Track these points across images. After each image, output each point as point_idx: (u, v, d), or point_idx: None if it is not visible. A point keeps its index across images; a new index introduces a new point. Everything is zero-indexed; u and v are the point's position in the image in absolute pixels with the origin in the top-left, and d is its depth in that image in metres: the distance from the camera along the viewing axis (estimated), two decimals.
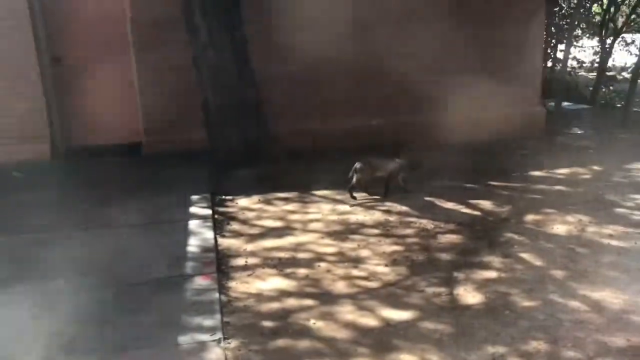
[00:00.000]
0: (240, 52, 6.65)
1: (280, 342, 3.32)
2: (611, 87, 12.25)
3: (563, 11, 11.45)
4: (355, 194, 5.80)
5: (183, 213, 5.30)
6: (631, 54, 13.04)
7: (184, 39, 6.62)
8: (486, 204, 5.57)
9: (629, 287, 3.85)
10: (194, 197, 5.71)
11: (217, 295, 3.78)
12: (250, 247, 4.69)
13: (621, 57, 13.62)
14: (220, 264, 4.35)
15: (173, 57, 6.95)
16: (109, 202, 5.61)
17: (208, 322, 3.45)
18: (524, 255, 4.41)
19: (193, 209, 5.43)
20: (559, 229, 4.93)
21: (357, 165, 5.80)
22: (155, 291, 3.86)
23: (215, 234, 4.88)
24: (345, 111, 7.67)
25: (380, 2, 7.50)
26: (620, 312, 3.56)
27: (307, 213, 5.46)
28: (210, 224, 5.04)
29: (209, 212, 5.33)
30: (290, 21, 7.20)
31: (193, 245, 4.61)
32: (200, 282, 3.98)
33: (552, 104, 9.34)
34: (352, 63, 7.56)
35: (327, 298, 3.83)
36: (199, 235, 4.79)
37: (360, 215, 5.35)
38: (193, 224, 5.03)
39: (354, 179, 5.80)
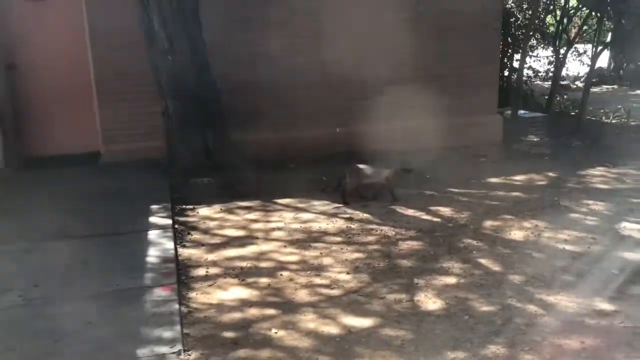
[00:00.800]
0: (201, 59, 6.60)
1: (241, 353, 3.28)
2: (565, 96, 12.64)
3: (519, 22, 11.76)
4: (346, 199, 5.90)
5: (142, 223, 5.21)
6: (583, 63, 13.49)
7: (143, 45, 6.54)
8: (446, 211, 5.65)
9: (583, 291, 3.96)
10: (154, 207, 5.62)
11: (177, 306, 3.73)
12: (211, 256, 4.64)
13: (574, 67, 14.06)
14: (180, 274, 4.29)
15: (132, 63, 6.86)
16: (65, 213, 5.47)
17: (167, 333, 3.40)
18: (483, 261, 4.49)
19: (153, 219, 5.34)
20: (516, 234, 5.04)
21: (347, 172, 5.89)
22: (113, 303, 3.78)
23: (176, 244, 4.81)
24: (308, 119, 7.69)
25: (342, 13, 7.55)
26: (575, 315, 3.65)
27: (269, 222, 5.44)
28: (170, 234, 4.96)
29: (169, 221, 5.25)
30: (253, 28, 7.21)
31: (152, 255, 4.52)
32: (160, 293, 3.91)
33: (509, 112, 9.57)
34: (314, 72, 7.59)
35: (289, 307, 3.82)
36: (159, 245, 4.71)
37: (322, 224, 5.36)
38: (153, 234, 4.95)
39: (345, 186, 5.88)
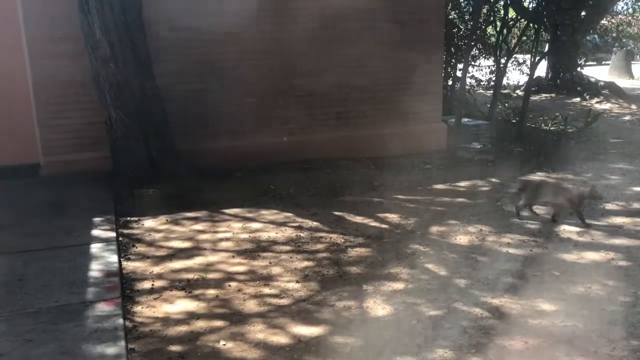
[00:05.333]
0: (144, 67, 6.47)
1: None
2: (506, 104, 13.05)
3: (461, 32, 12.08)
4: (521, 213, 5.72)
5: (84, 236, 5.04)
6: (523, 73, 13.97)
7: (85, 53, 6.37)
8: (393, 217, 5.72)
9: (526, 293, 4.07)
10: (97, 219, 5.45)
11: (121, 321, 3.61)
12: (157, 269, 4.53)
13: (515, 76, 14.55)
14: (124, 288, 4.17)
15: (73, 71, 6.66)
16: (1, 227, 5.24)
17: (111, 349, 3.28)
18: (429, 266, 4.56)
19: (95, 232, 5.18)
20: (462, 239, 5.15)
21: (529, 186, 5.71)
22: (53, 320, 3.63)
23: (120, 257, 4.68)
24: (255, 128, 7.65)
25: (290, 20, 7.57)
26: (518, 317, 3.75)
27: (216, 232, 5.36)
28: (114, 247, 4.82)
29: (112, 234, 5.11)
30: (198, 37, 7.13)
31: (95, 269, 4.38)
32: (103, 308, 3.79)
33: (453, 120, 9.78)
34: (261, 80, 7.58)
35: (238, 318, 3.76)
36: (102, 259, 4.57)
37: (271, 233, 5.33)
38: (95, 248, 4.80)
39: (521, 201, 5.67)
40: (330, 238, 5.18)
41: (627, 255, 4.74)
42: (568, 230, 5.33)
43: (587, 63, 16.72)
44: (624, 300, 3.96)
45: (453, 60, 11.89)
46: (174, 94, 6.83)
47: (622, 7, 16.12)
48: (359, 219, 5.69)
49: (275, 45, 7.51)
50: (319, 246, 5.01)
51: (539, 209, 5.79)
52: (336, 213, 5.85)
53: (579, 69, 15.87)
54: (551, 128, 10.94)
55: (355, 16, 7.88)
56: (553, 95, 15.62)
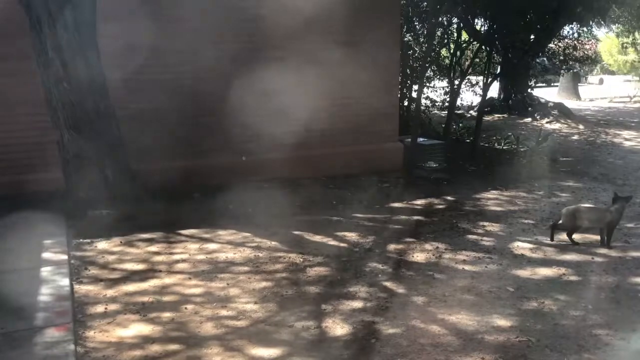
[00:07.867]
0: (98, 86, 6.34)
1: None
2: (460, 124, 13.34)
3: (416, 54, 12.33)
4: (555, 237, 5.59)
5: (34, 260, 4.87)
6: (476, 94, 14.32)
7: (37, 71, 6.21)
8: (351, 236, 5.74)
9: (482, 309, 4.13)
10: (47, 242, 5.29)
11: (72, 346, 3.49)
12: (110, 292, 4.41)
13: (468, 97, 14.91)
14: (76, 312, 4.04)
15: (24, 90, 6.48)
16: None
17: None
18: (387, 284, 4.58)
19: (46, 255, 5.01)
20: (419, 256, 5.20)
21: (564, 211, 5.54)
22: None
23: (71, 280, 4.54)
24: (212, 148, 7.59)
25: (247, 40, 7.58)
26: (475, 333, 3.79)
27: (172, 254, 5.26)
28: (65, 270, 4.67)
29: (64, 257, 4.95)
30: (154, 56, 7.06)
31: (45, 294, 4.23)
32: (53, 333, 3.65)
33: (409, 139, 9.92)
34: (219, 99, 7.53)
35: (194, 341, 3.69)
36: (52, 283, 4.42)
37: (229, 253, 5.27)
38: (45, 271, 4.64)
39: (560, 222, 5.56)
40: (289, 258, 5.15)
41: (577, 270, 4.88)
42: (521, 247, 5.45)
43: (537, 85, 17.28)
44: (575, 315, 4.06)
45: (409, 82, 12.11)
46: (129, 113, 6.71)
47: (568, 32, 16.73)
48: (317, 238, 5.69)
49: (232, 65, 7.49)
50: (278, 266, 4.97)
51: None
52: (295, 232, 5.83)
53: (529, 90, 16.38)
54: (504, 147, 11.24)
55: (312, 38, 7.94)
56: (505, 115, 16.06)
